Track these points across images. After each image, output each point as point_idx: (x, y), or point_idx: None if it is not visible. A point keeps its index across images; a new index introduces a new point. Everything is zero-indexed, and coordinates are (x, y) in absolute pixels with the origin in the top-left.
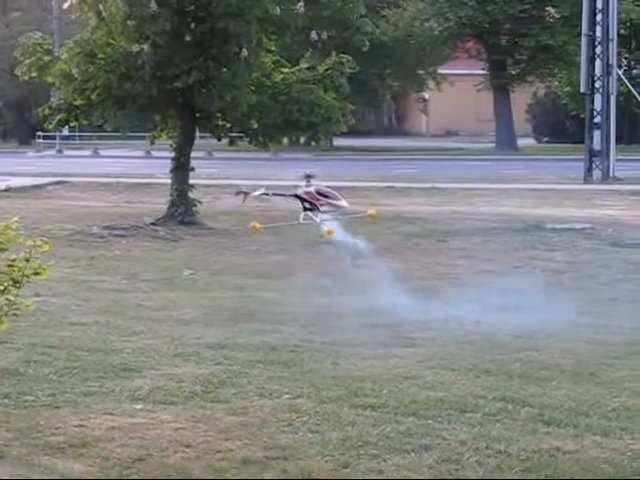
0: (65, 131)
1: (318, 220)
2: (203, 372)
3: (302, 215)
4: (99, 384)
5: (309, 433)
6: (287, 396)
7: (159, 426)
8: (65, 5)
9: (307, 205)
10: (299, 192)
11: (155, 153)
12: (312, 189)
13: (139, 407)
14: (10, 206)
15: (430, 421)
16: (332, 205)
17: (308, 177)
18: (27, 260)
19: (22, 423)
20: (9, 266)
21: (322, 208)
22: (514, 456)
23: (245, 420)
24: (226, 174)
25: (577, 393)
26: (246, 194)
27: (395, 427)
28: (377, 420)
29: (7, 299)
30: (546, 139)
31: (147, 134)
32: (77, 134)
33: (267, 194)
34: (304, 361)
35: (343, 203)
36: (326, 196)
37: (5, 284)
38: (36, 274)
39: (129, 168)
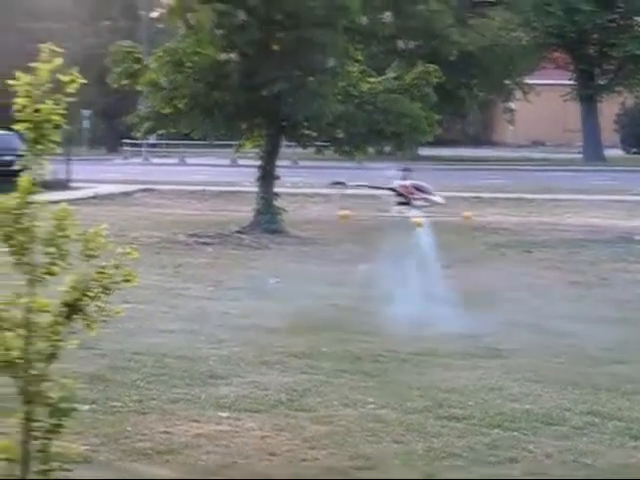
0: (152, 139)
1: (410, 214)
2: (288, 380)
3: (396, 209)
4: (185, 391)
5: (393, 443)
6: (372, 406)
7: (244, 434)
8: (154, 14)
9: (401, 199)
10: (395, 185)
11: (241, 161)
12: (409, 183)
13: (225, 415)
14: (98, 213)
15: (516, 433)
16: (427, 200)
17: (406, 171)
18: (117, 267)
19: (110, 429)
20: (99, 273)
21: (416, 202)
22: (601, 470)
23: (330, 429)
24: (311, 182)
25: None
26: (343, 184)
27: (480, 439)
28: (462, 431)
29: (97, 306)
30: (634, 150)
31: (233, 142)
32: (164, 142)
33: (363, 185)
34: (389, 371)
35: (438, 198)
36: (422, 190)
37: (95, 291)
38: (126, 281)
39: (215, 176)
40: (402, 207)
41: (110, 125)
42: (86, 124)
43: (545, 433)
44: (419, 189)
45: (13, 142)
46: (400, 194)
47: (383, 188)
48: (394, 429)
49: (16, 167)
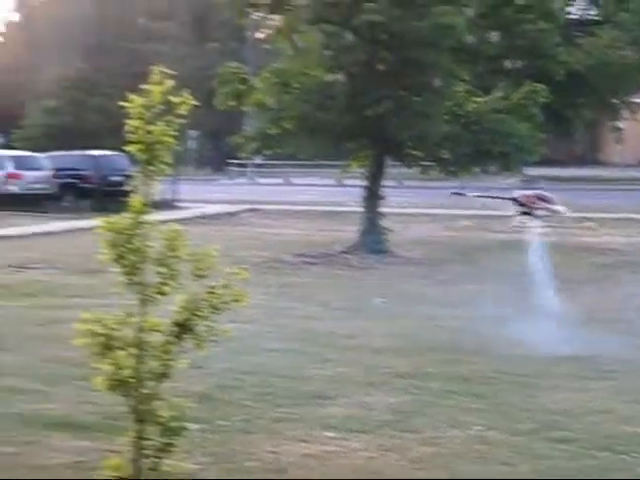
0: (258, 159)
1: (532, 224)
2: (394, 401)
3: (517, 219)
4: (292, 411)
5: (501, 465)
6: (479, 428)
7: (351, 454)
8: (260, 35)
9: (523, 209)
10: (517, 195)
11: (346, 181)
12: (532, 193)
13: (331, 435)
14: (205, 233)
15: (626, 456)
16: (549, 210)
17: (526, 181)
18: (226, 287)
19: (217, 448)
20: (209, 293)
21: (538, 212)
22: None
23: (436, 451)
24: (416, 202)
25: None
26: (462, 195)
27: (589, 462)
28: (571, 454)
29: (207, 325)
30: None
31: (338, 162)
32: (269, 162)
33: (484, 196)
34: (497, 393)
35: (560, 208)
36: (545, 200)
37: (205, 311)
38: (235, 301)
39: (320, 196)
40: (524, 217)
41: (216, 145)
42: (193, 144)
43: None
44: (542, 199)
45: (122, 163)
46: (522, 204)
47: (504, 198)
48: (501, 451)
49: (125, 187)
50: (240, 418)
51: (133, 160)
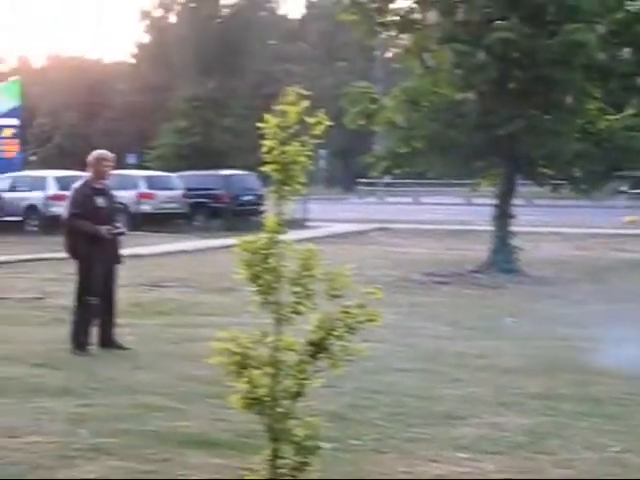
0: (387, 178)
1: None
2: (527, 422)
3: None
4: (423, 430)
5: None
6: (615, 450)
7: (485, 476)
8: (389, 54)
9: None
10: None
11: (475, 200)
12: None
13: (464, 456)
14: (334, 251)
15: None
16: None
17: None
18: (361, 307)
19: (349, 467)
20: (344, 312)
21: None
22: None
23: (571, 473)
24: (546, 221)
25: None
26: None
27: None
28: None
29: (341, 345)
30: None
31: (467, 181)
32: (398, 181)
33: None
34: (631, 414)
35: None
36: None
37: (340, 330)
38: (369, 320)
39: (449, 215)
40: None
41: (346, 164)
42: (322, 164)
43: None
44: None
45: (252, 182)
46: None
47: None
48: (639, 474)
49: (254, 207)
50: (372, 437)
51: (263, 180)
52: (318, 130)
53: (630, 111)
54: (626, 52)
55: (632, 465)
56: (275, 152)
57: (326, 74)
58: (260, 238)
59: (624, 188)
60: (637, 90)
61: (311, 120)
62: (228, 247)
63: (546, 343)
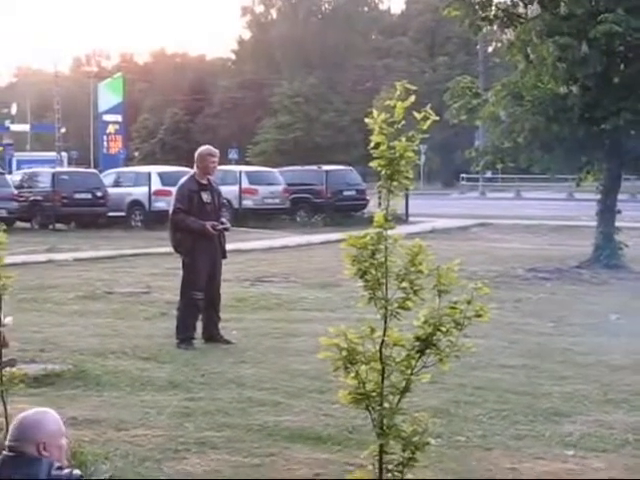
0: (488, 173)
1: None
2: (634, 420)
3: None
4: (529, 427)
5: None
6: None
7: (592, 474)
8: (490, 49)
9: None
10: None
11: (577, 195)
12: None
13: (570, 453)
14: (436, 247)
15: None
16: None
17: None
18: (469, 302)
19: (454, 464)
20: (451, 308)
21: None
22: None
23: None
24: None
25: None
26: None
27: None
28: None
29: (449, 340)
30: None
31: (570, 176)
32: (499, 176)
33: None
34: None
35: None
36: None
37: (447, 326)
38: (477, 316)
39: (551, 210)
40: None
41: (446, 160)
42: (422, 159)
43: None
44: None
45: (353, 178)
46: None
47: None
48: None
49: (355, 202)
50: (477, 434)
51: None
52: (424, 125)
53: None
54: None
55: None
56: (382, 147)
57: (427, 69)
58: (368, 233)
59: None
60: None
61: (418, 115)
62: (330, 242)
63: None
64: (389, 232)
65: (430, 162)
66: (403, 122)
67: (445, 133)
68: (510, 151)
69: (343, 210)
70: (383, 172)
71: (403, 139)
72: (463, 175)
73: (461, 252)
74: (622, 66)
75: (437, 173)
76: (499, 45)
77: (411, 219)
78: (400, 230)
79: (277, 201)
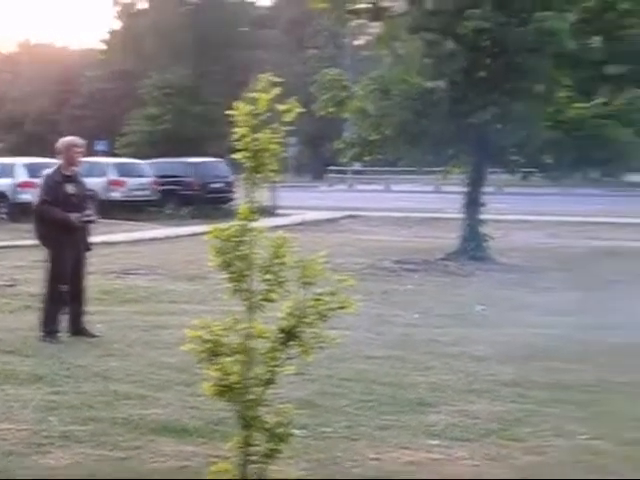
0: (357, 166)
1: None
2: (498, 409)
3: None
4: (394, 418)
5: (608, 475)
6: (584, 437)
7: (455, 462)
8: (359, 42)
9: None
10: None
11: (445, 188)
12: None
13: (435, 442)
14: (304, 239)
15: None
16: None
17: None
18: (333, 294)
19: (320, 454)
20: (315, 300)
21: None
22: None
23: (542, 460)
24: (516, 209)
25: None
26: None
27: None
28: None
29: (313, 332)
30: None
31: (437, 169)
32: (368, 168)
33: None
34: (601, 401)
35: None
36: None
37: (311, 317)
38: (341, 308)
39: (419, 202)
40: None
41: (315, 152)
42: (291, 151)
43: None
44: None
45: (222, 170)
46: None
47: None
48: (608, 461)
49: (224, 194)
50: (343, 425)
51: (233, 167)
52: (289, 117)
53: (600, 99)
54: (596, 40)
55: (602, 452)
56: (246, 139)
57: (296, 61)
58: (232, 225)
59: (594, 176)
60: (607, 78)
61: (282, 107)
62: (198, 235)
63: (516, 330)
64: (255, 224)
65: (300, 154)
66: (269, 114)
67: (315, 125)
68: (377, 143)
69: (212, 202)
70: (247, 164)
71: (267, 131)
72: (332, 167)
73: (329, 244)
74: (488, 61)
75: (307, 165)
76: (369, 38)
77: (280, 211)
78: (269, 222)
79: (146, 193)
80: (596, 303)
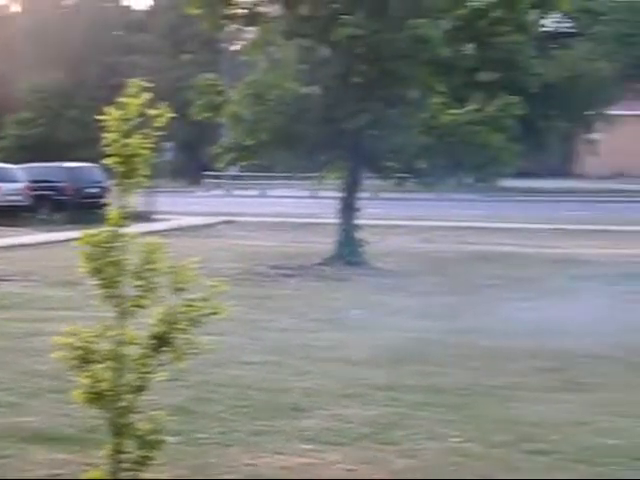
0: (233, 171)
1: None
2: (371, 413)
3: None
4: (269, 423)
5: (479, 477)
6: (456, 439)
7: (329, 467)
8: (235, 47)
9: None
10: None
11: (322, 193)
12: None
13: (309, 447)
14: (180, 245)
15: (602, 469)
16: None
17: None
18: (205, 300)
19: (195, 460)
20: (187, 306)
21: None
22: None
23: (415, 463)
24: (391, 214)
25: None
26: None
27: (567, 474)
28: (548, 466)
29: (186, 338)
30: None
31: (314, 174)
32: (245, 174)
33: None
34: (473, 404)
35: None
36: None
37: (183, 323)
38: (213, 314)
39: (296, 208)
40: None
41: (192, 157)
42: (168, 156)
43: (633, 469)
44: None
45: (97, 175)
46: None
47: None
48: (479, 463)
49: (99, 199)
50: (217, 431)
51: (108, 172)
52: (160, 122)
53: (473, 106)
54: (469, 48)
55: (473, 454)
56: (117, 145)
57: (173, 66)
58: (102, 231)
59: (468, 181)
60: (480, 85)
61: (153, 112)
62: (72, 240)
63: (391, 335)
64: (127, 230)
65: (176, 159)
66: (141, 119)
67: (192, 130)
68: (253, 149)
69: (86, 207)
70: (119, 169)
71: (139, 136)
72: (209, 173)
73: (205, 250)
74: (363, 67)
75: (184, 170)
76: (245, 44)
77: (157, 217)
78: (144, 228)
79: (18, 198)
80: (468, 307)
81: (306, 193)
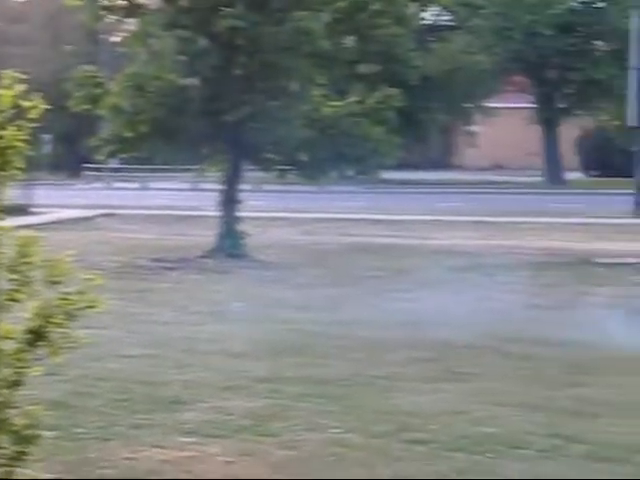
0: (114, 163)
1: None
2: (252, 405)
3: None
4: (149, 417)
5: (359, 468)
6: (337, 430)
7: (209, 459)
8: (116, 39)
9: None
10: None
11: (204, 185)
12: None
13: (189, 440)
14: (58, 238)
15: (480, 457)
16: None
17: None
18: (81, 293)
19: (73, 456)
20: (62, 299)
21: None
22: None
23: (295, 454)
24: (273, 207)
25: (630, 429)
26: None
27: (445, 462)
28: (427, 455)
29: (62, 332)
30: (594, 173)
31: (195, 167)
32: (125, 166)
33: None
34: (353, 395)
35: None
36: None
37: (59, 317)
38: (90, 307)
39: (177, 200)
40: None
41: (71, 149)
42: (46, 149)
43: (510, 456)
44: None
45: None
46: None
47: None
48: (359, 453)
49: None
50: (96, 425)
51: None
52: (34, 114)
53: (353, 98)
54: (350, 40)
55: (353, 445)
56: None
57: (52, 57)
58: None
59: (349, 173)
60: (360, 77)
61: (27, 104)
62: None
63: (272, 327)
64: (3, 224)
65: (55, 151)
66: (15, 111)
67: (71, 122)
68: (132, 141)
69: None
70: None
71: (12, 128)
72: (89, 165)
73: (84, 243)
74: (244, 59)
75: (63, 163)
76: (125, 35)
77: (34, 210)
78: (21, 221)
79: None
80: (349, 299)
81: (187, 185)
